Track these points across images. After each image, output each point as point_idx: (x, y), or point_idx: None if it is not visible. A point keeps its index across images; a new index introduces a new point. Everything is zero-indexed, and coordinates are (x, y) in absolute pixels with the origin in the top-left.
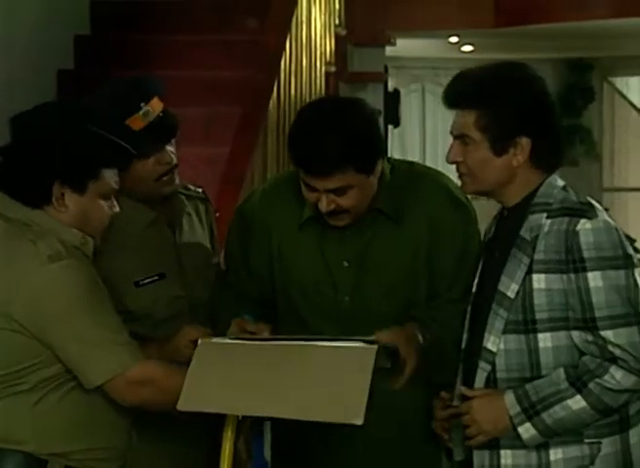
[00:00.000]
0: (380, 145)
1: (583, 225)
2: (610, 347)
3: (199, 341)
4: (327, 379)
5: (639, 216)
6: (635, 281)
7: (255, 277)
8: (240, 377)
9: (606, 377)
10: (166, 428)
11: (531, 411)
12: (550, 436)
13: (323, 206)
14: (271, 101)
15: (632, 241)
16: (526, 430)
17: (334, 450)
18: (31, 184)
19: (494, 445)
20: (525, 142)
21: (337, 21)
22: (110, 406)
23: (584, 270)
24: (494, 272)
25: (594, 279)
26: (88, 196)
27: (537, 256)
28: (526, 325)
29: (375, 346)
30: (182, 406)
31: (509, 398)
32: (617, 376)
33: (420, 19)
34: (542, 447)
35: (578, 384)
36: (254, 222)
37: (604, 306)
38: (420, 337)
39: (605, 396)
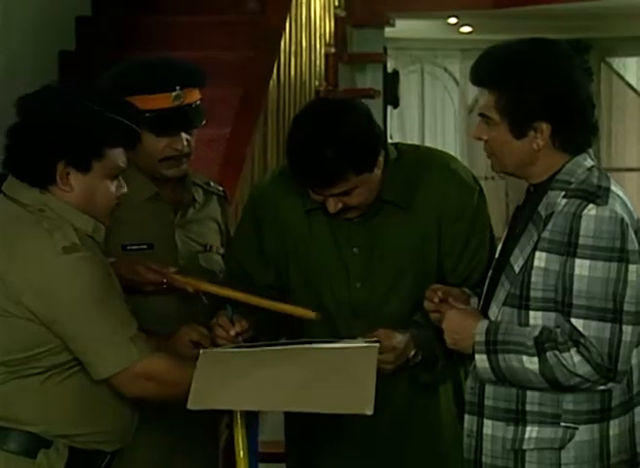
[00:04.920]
0: (377, 143)
1: (589, 211)
2: (577, 335)
3: (200, 351)
4: (334, 374)
5: (635, 196)
6: (626, 277)
7: (271, 263)
8: (247, 376)
9: (565, 355)
10: (163, 410)
11: (491, 347)
12: (501, 378)
13: (331, 208)
14: (271, 82)
15: None
16: (481, 360)
17: (344, 451)
18: (35, 164)
19: (480, 412)
20: (545, 127)
21: (336, 3)
22: (116, 391)
23: (575, 255)
24: (512, 243)
25: (581, 266)
26: (93, 175)
27: (544, 234)
28: (521, 300)
29: (376, 344)
30: (193, 404)
31: (482, 325)
32: (575, 359)
33: (419, 0)
34: (521, 422)
35: (539, 347)
36: (266, 209)
37: (583, 295)
38: (412, 352)
39: (558, 370)
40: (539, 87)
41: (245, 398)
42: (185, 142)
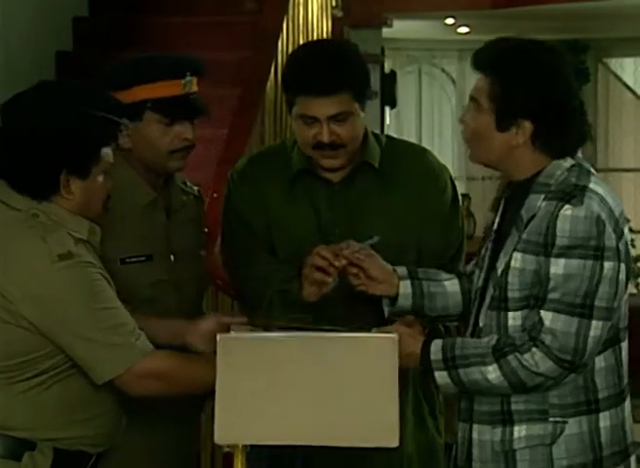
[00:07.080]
0: (369, 83)
1: (565, 211)
2: (541, 328)
3: (218, 338)
4: (356, 389)
5: (632, 197)
6: (600, 274)
7: (261, 236)
8: (270, 401)
9: (526, 356)
10: (146, 410)
11: (450, 363)
12: (464, 391)
13: (325, 136)
14: (269, 83)
15: (627, 221)
16: (441, 377)
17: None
18: (39, 177)
19: (470, 418)
20: (527, 126)
21: (333, 3)
22: (102, 394)
23: (550, 255)
24: (499, 248)
25: (556, 265)
26: (91, 179)
27: (522, 236)
28: (500, 302)
29: (395, 335)
30: (220, 439)
31: (437, 343)
32: (536, 357)
33: (416, 0)
34: (508, 423)
35: (498, 354)
36: (246, 186)
37: (557, 290)
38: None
39: (521, 372)
40: (529, 84)
41: (272, 432)
42: (193, 133)
